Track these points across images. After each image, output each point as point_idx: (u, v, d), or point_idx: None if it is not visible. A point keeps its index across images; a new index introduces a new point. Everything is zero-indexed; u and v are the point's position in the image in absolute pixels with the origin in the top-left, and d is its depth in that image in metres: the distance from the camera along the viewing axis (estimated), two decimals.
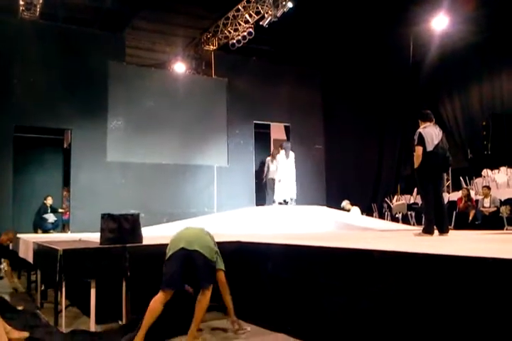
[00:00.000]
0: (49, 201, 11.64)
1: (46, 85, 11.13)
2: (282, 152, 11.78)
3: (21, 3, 11.12)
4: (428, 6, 11.87)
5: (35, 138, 12.30)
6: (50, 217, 11.61)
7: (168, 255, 3.85)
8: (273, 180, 11.85)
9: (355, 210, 11.88)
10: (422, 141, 5.67)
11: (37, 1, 11.03)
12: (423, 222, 6.01)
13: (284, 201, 11.51)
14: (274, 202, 11.54)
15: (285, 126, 14.71)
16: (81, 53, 11.62)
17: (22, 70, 10.96)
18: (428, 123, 5.91)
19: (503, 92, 13.67)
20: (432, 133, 5.75)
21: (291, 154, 11.85)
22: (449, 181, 14.62)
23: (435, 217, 5.72)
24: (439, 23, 12.16)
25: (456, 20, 12.19)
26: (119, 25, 13.79)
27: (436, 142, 5.69)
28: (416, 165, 5.71)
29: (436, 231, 5.72)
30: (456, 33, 13.00)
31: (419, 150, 5.66)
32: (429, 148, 5.65)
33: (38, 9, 11.37)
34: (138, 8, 12.99)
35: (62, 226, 12.19)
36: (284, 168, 11.65)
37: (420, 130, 5.80)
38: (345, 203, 11.99)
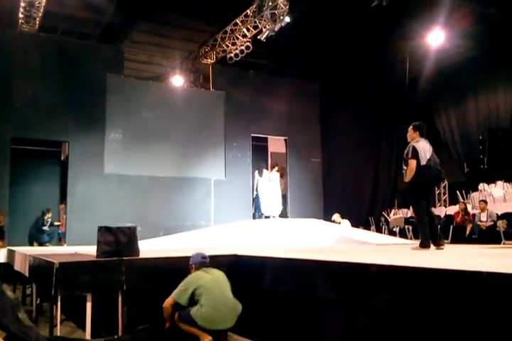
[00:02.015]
0: (49, 215, 11.59)
1: (44, 97, 11.16)
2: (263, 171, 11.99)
3: (21, 16, 11.20)
4: (424, 21, 12.00)
5: (32, 150, 12.29)
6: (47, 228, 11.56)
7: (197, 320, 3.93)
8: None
9: (346, 223, 11.91)
10: (416, 154, 5.72)
11: (36, 14, 11.12)
12: (420, 236, 5.90)
13: (267, 217, 11.64)
14: (262, 215, 11.63)
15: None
16: (79, 66, 11.67)
17: (20, 82, 11.00)
18: (419, 138, 5.96)
19: (499, 107, 13.75)
20: (424, 148, 5.81)
21: (270, 174, 11.98)
22: (446, 195, 14.64)
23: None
24: (435, 38, 12.27)
25: (452, 36, 12.31)
26: (118, 39, 13.90)
27: (428, 156, 5.75)
28: (408, 179, 5.76)
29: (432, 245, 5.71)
30: (451, 48, 13.12)
31: (413, 163, 5.69)
32: (423, 162, 5.70)
33: (38, 22, 11.46)
34: (137, 21, 13.10)
35: (59, 239, 12.11)
36: (263, 185, 11.82)
37: (414, 144, 5.84)
38: (336, 216, 12.03)
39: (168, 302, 4.07)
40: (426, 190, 5.83)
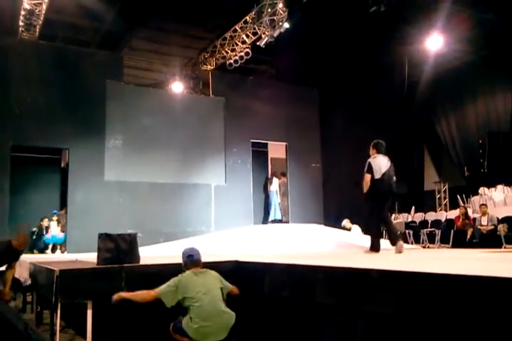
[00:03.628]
0: (45, 223, 11.59)
1: (44, 105, 11.18)
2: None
3: (21, 24, 11.26)
4: (422, 26, 12.03)
5: (32, 158, 12.31)
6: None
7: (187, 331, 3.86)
8: None
9: (356, 229, 11.85)
10: (370, 169, 6.47)
11: (37, 22, 11.17)
12: (371, 240, 6.64)
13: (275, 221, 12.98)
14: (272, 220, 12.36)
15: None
16: (79, 73, 11.69)
17: (20, 90, 11.02)
18: (377, 154, 6.67)
19: (498, 111, 13.78)
20: (380, 163, 6.53)
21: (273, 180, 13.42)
22: (446, 199, 14.67)
23: (388, 233, 6.55)
24: (434, 43, 12.30)
25: (451, 40, 12.34)
26: (118, 46, 13.95)
27: (383, 171, 6.46)
28: (365, 190, 6.49)
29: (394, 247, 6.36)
30: (450, 53, 13.15)
31: (367, 177, 6.44)
32: (377, 176, 6.42)
33: (38, 30, 11.51)
34: (136, 28, 13.16)
35: (59, 246, 12.10)
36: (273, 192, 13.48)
37: (370, 160, 6.58)
38: (346, 222, 11.96)
39: (148, 295, 3.95)
40: (381, 200, 6.53)
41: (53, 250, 11.68)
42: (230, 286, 4.22)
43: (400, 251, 6.22)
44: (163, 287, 3.96)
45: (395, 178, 6.56)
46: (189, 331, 3.83)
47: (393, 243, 6.40)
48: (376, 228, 6.68)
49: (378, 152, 6.70)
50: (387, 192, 6.54)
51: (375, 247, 6.42)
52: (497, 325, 2.36)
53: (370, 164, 6.51)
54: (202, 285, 3.95)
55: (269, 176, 14.58)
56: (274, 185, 13.98)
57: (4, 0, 10.72)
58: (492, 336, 2.39)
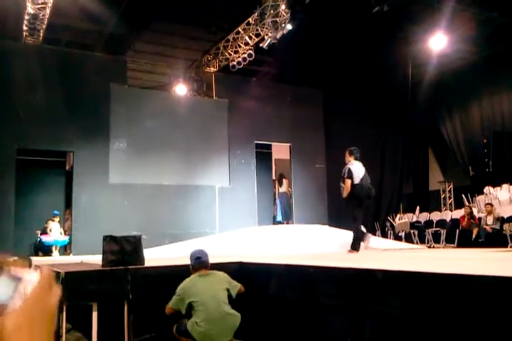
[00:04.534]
0: (49, 225, 11.58)
1: (49, 108, 11.22)
2: None
3: (25, 28, 11.30)
4: (426, 26, 12.02)
5: (37, 161, 12.34)
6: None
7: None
8: None
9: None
10: (350, 175, 6.86)
11: (40, 26, 11.20)
12: (352, 240, 7.05)
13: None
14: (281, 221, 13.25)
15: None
16: (83, 76, 11.74)
17: (25, 94, 11.07)
18: (353, 161, 7.05)
19: (503, 110, 13.75)
20: (357, 169, 6.93)
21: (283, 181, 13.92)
22: (451, 199, 14.63)
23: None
24: (438, 43, 12.28)
25: (455, 40, 12.32)
26: (121, 48, 13.98)
27: (361, 176, 6.87)
28: (345, 195, 6.90)
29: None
30: (454, 52, 13.13)
31: (348, 182, 6.83)
32: (356, 181, 6.84)
33: (42, 34, 11.55)
34: (139, 31, 13.19)
35: (64, 248, 12.12)
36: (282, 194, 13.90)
37: (349, 166, 6.95)
38: None
39: (167, 311, 4.04)
40: (360, 204, 7.04)
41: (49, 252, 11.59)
42: (238, 285, 4.18)
43: (366, 247, 7.12)
44: (173, 300, 4.01)
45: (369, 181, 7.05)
46: (194, 334, 3.84)
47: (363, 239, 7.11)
48: (358, 230, 7.14)
49: (355, 158, 7.11)
50: (365, 197, 7.06)
51: (356, 247, 6.94)
52: (505, 325, 2.35)
53: (350, 170, 6.91)
54: (206, 289, 3.94)
55: (277, 177, 14.53)
56: (284, 186, 13.95)
57: (8, 4, 10.78)
58: (499, 336, 2.38)
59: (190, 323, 3.87)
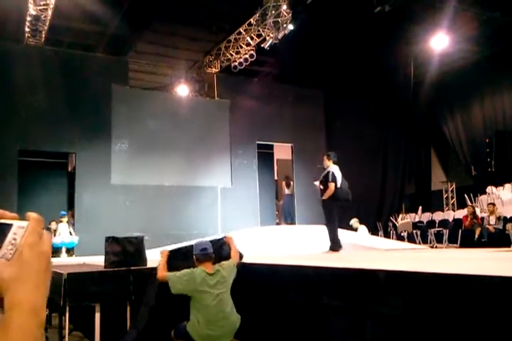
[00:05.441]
0: (53, 226, 11.58)
1: (50, 109, 11.24)
2: None
3: (27, 30, 11.32)
4: (427, 26, 12.01)
5: (39, 162, 12.36)
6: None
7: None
8: None
9: (363, 229, 11.85)
10: (334, 179, 7.15)
11: (42, 27, 11.23)
12: (330, 241, 7.29)
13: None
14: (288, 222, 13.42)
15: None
16: (85, 77, 11.75)
17: (26, 95, 11.08)
18: (332, 165, 7.35)
19: (505, 109, 13.74)
20: (338, 173, 7.24)
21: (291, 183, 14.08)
22: (454, 199, 14.61)
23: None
24: (439, 43, 12.27)
25: (456, 39, 12.31)
26: (123, 49, 14.00)
27: (340, 180, 7.21)
28: (325, 197, 7.17)
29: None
30: (456, 52, 13.12)
31: (332, 186, 7.12)
32: (338, 184, 7.16)
33: (44, 35, 11.58)
34: (141, 32, 13.21)
35: (66, 249, 12.10)
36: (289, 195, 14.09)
37: (332, 170, 7.24)
38: (354, 221, 11.95)
39: (162, 272, 3.99)
40: (339, 206, 7.40)
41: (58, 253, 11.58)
42: (235, 269, 4.17)
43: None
44: (176, 274, 3.89)
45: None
46: (194, 335, 3.81)
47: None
48: (335, 231, 7.34)
49: (333, 163, 7.41)
50: (344, 200, 7.35)
51: (335, 248, 7.15)
52: (508, 325, 2.34)
53: (333, 174, 7.20)
54: (211, 288, 3.88)
55: (285, 179, 14.55)
56: (291, 188, 13.98)
57: (10, 6, 10.79)
58: (502, 336, 2.37)
59: (191, 324, 3.84)
